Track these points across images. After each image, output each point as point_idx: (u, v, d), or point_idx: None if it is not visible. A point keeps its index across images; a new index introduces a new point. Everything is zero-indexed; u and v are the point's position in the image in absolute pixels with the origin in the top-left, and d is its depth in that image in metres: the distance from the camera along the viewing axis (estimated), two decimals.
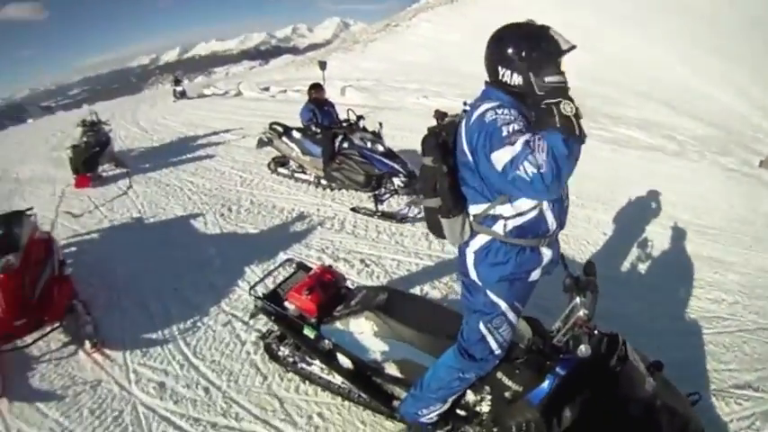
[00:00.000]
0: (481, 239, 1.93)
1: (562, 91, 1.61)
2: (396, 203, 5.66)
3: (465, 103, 1.92)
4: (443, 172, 1.89)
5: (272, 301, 2.77)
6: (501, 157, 1.58)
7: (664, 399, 2.04)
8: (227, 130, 10.33)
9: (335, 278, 2.93)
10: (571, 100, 1.55)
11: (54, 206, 6.13)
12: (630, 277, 4.43)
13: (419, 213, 5.15)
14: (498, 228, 1.86)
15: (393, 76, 19.91)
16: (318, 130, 6.09)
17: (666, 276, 4.42)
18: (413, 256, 4.48)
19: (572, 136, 1.51)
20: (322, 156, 5.97)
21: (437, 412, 2.24)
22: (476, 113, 1.73)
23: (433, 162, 1.92)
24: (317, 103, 6.46)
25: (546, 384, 1.98)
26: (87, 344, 3.19)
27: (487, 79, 1.86)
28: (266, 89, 17.77)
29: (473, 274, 1.97)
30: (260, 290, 2.93)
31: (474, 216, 1.92)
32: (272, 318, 2.76)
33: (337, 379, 2.71)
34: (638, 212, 5.87)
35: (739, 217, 6.21)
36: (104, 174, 7.35)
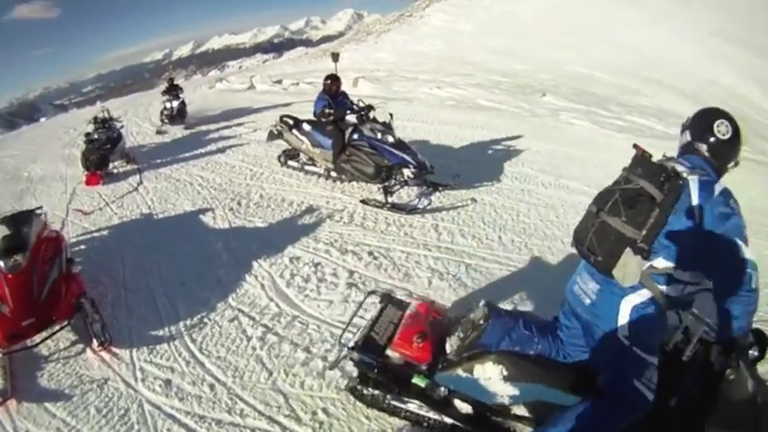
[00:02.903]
0: (644, 294, 1.85)
1: None
2: (406, 195, 5.59)
3: (678, 162, 1.95)
4: (665, 206, 1.78)
5: (368, 351, 2.35)
6: (747, 252, 1.72)
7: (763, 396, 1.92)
8: (238, 124, 10.31)
9: (442, 315, 2.55)
10: None
11: (65, 204, 6.19)
12: None
13: (428, 204, 5.14)
14: (671, 289, 1.87)
15: (405, 66, 19.75)
16: (328, 121, 6.01)
17: None
18: (421, 247, 4.42)
19: None
20: (332, 148, 5.90)
21: None
22: (718, 188, 1.82)
23: (656, 190, 1.79)
24: (332, 93, 6.39)
25: None
26: (95, 342, 3.20)
27: (689, 140, 2.03)
28: (279, 82, 17.64)
29: (623, 330, 1.87)
30: (350, 337, 2.52)
31: (651, 267, 1.85)
32: (375, 371, 2.36)
33: (445, 419, 2.41)
34: None
35: (758, 208, 6.05)
36: (115, 171, 7.40)
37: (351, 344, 2.43)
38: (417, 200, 5.27)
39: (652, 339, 1.87)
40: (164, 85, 11.52)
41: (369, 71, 18.02)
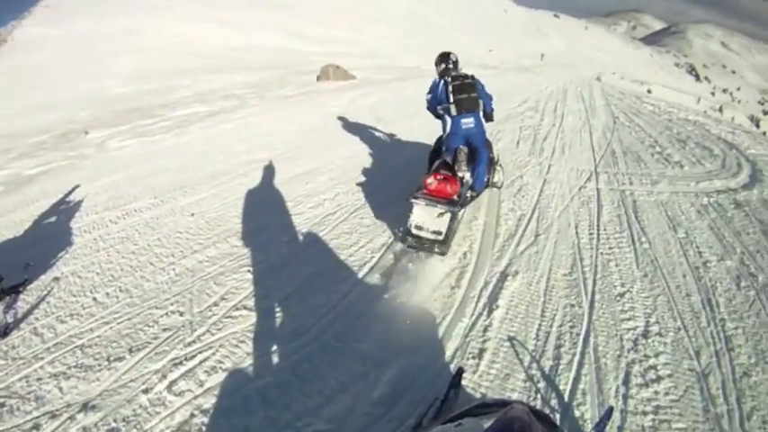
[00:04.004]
0: (480, 114, 5.45)
1: None
2: None
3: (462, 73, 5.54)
4: (477, 83, 5.40)
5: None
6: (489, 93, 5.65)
7: None
8: None
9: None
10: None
11: None
12: None
13: (17, 313, 4.48)
14: (485, 110, 5.57)
15: None
16: None
17: None
18: (33, 361, 4.16)
19: None
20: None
21: None
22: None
23: (471, 80, 5.40)
24: None
25: None
26: None
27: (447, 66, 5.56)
28: None
29: (482, 127, 5.40)
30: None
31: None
32: None
33: None
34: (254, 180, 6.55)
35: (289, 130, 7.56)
36: None
37: None
38: (2, 317, 4.55)
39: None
40: None
41: None
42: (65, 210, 6.73)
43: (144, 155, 8.69)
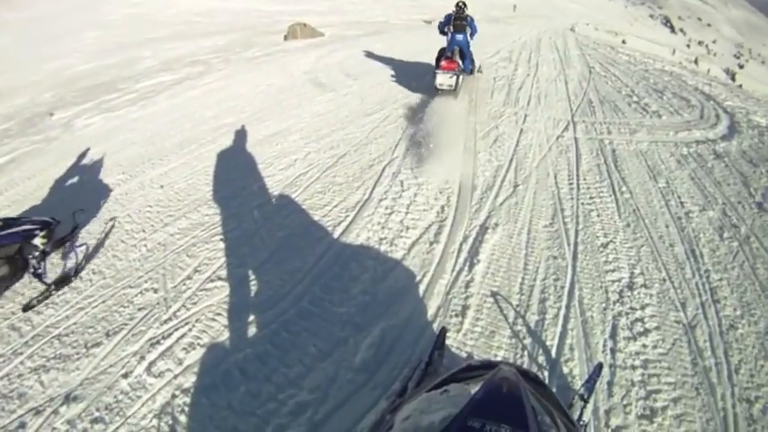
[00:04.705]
0: (467, 35, 8.97)
1: None
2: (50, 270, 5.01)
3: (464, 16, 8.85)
4: (469, 18, 8.77)
5: None
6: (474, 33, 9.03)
7: None
8: None
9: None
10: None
11: None
12: None
13: (83, 255, 4.80)
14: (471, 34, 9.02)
15: None
16: None
17: None
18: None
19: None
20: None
21: None
22: (471, 18, 8.72)
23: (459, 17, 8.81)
24: None
25: None
26: None
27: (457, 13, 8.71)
28: None
29: (468, 38, 8.82)
30: None
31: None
32: None
33: None
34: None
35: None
36: None
37: None
38: (68, 261, 4.64)
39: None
40: None
41: None
42: (32, 197, 6.53)
43: (110, 131, 8.40)
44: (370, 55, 12.67)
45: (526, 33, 13.87)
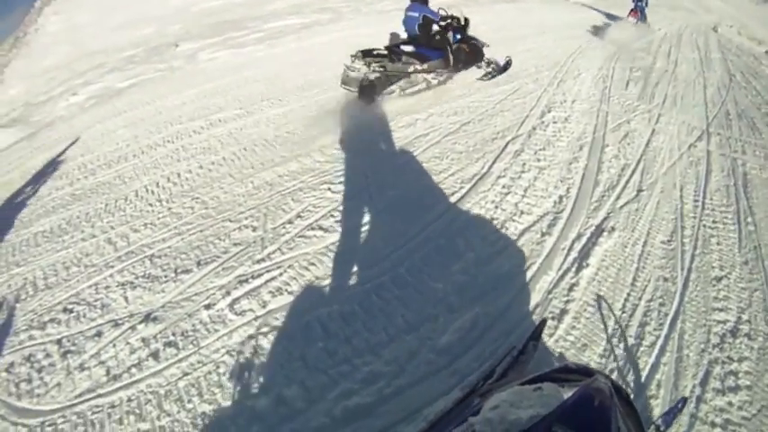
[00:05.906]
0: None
1: None
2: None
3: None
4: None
5: None
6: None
7: None
8: None
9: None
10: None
11: None
12: None
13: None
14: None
15: None
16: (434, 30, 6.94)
17: None
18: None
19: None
20: (446, 52, 6.88)
21: None
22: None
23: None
24: None
25: None
26: None
27: None
28: None
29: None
30: None
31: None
32: None
33: None
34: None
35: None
36: None
37: None
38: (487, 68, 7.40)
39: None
40: None
41: None
42: (149, 121, 6.76)
43: (233, 66, 8.57)
44: (505, 21, 11.86)
45: (666, 25, 12.59)
